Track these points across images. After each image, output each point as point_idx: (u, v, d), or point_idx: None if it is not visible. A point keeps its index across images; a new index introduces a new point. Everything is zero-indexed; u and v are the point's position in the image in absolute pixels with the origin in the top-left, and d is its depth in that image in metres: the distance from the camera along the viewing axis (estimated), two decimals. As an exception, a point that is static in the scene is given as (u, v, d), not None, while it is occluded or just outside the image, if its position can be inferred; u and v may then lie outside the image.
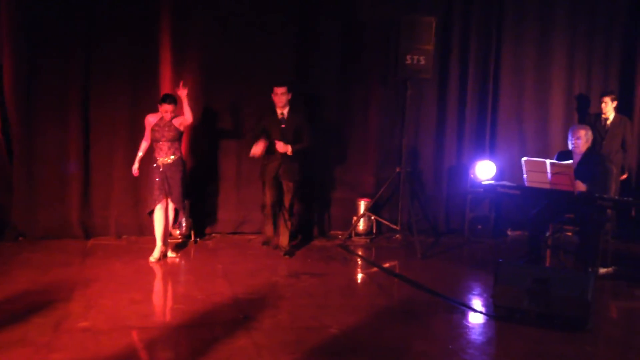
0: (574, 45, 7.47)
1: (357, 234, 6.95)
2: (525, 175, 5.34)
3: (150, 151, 5.76)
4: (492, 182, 6.26)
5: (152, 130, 5.64)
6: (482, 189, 6.84)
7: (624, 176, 7.00)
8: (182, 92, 5.60)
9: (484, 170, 6.95)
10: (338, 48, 6.87)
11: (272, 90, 5.93)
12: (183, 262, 5.82)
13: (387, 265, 5.98)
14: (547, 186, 5.18)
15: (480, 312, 4.56)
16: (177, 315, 4.35)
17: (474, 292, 5.26)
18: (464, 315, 4.52)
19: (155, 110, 5.74)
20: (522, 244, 6.47)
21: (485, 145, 7.31)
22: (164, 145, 5.62)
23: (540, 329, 4.16)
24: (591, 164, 5.39)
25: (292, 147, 5.81)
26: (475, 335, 4.20)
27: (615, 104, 6.87)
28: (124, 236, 6.52)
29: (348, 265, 6.03)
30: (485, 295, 4.95)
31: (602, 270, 5.53)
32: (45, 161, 6.30)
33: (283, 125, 5.83)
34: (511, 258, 5.72)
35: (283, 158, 5.84)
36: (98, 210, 6.49)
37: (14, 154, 6.25)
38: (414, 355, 3.75)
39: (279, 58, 6.66)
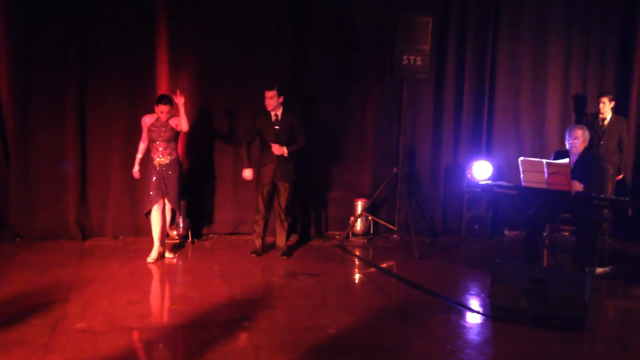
0: (570, 45, 7.49)
1: (355, 234, 6.95)
2: (522, 175, 5.35)
3: (147, 151, 5.75)
4: (489, 182, 6.27)
5: (149, 130, 5.63)
6: (479, 189, 6.82)
7: (620, 176, 7.01)
8: (180, 100, 5.58)
9: (481, 170, 6.96)
10: (334, 48, 6.87)
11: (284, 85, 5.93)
12: (180, 262, 5.82)
13: (384, 265, 5.99)
14: (544, 186, 5.19)
15: (478, 312, 4.57)
16: (174, 315, 4.35)
17: (471, 292, 5.26)
18: (462, 315, 4.53)
19: (151, 110, 5.74)
20: (519, 243, 6.49)
21: (481, 145, 7.33)
22: (160, 146, 5.61)
23: (537, 329, 4.17)
24: (588, 164, 5.40)
25: (288, 149, 5.79)
26: (473, 335, 4.20)
27: (613, 104, 6.89)
28: (121, 237, 6.51)
29: (345, 265, 6.03)
30: (482, 295, 4.96)
31: (599, 270, 5.54)
32: (42, 162, 6.29)
33: (277, 127, 5.81)
34: (508, 258, 5.74)
35: (278, 159, 5.83)
36: (95, 210, 6.48)
37: (10, 154, 6.23)
38: (411, 355, 3.75)
39: (275, 58, 6.66)
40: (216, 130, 6.67)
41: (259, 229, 6.01)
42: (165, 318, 4.40)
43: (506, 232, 7.37)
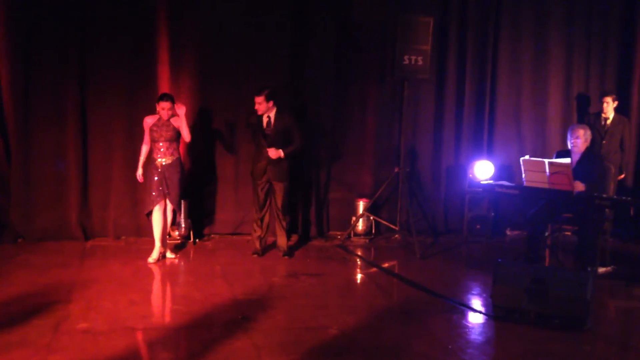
0: (571, 44, 7.49)
1: (356, 234, 6.95)
2: (523, 175, 5.34)
3: (149, 152, 5.74)
4: (491, 181, 6.26)
5: (151, 130, 5.63)
6: (480, 189, 6.84)
7: (622, 176, 7.01)
8: (181, 111, 5.60)
9: (483, 170, 6.96)
10: (334, 48, 6.87)
11: (275, 88, 5.92)
12: (182, 262, 5.82)
13: (386, 265, 5.98)
14: (546, 186, 5.19)
15: (480, 312, 4.56)
16: (176, 316, 4.35)
17: (473, 292, 5.26)
18: (463, 315, 4.52)
19: (152, 110, 5.74)
20: (520, 243, 6.48)
21: (483, 145, 7.32)
22: (162, 146, 5.61)
23: (539, 329, 4.17)
24: (590, 164, 5.40)
25: (284, 151, 5.77)
26: (475, 335, 4.20)
27: (616, 104, 6.89)
28: (123, 237, 6.52)
29: (347, 265, 6.03)
30: (484, 295, 4.95)
31: (601, 270, 5.53)
32: (44, 162, 6.29)
33: (267, 130, 5.80)
34: (510, 258, 5.73)
35: (270, 159, 5.80)
36: (96, 211, 6.48)
37: (11, 154, 6.24)
38: (413, 355, 3.75)
39: (275, 58, 6.66)
40: (217, 130, 6.68)
41: (257, 229, 6.01)
42: (167, 318, 4.41)
43: (508, 232, 7.37)
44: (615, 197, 5.61)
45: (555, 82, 7.48)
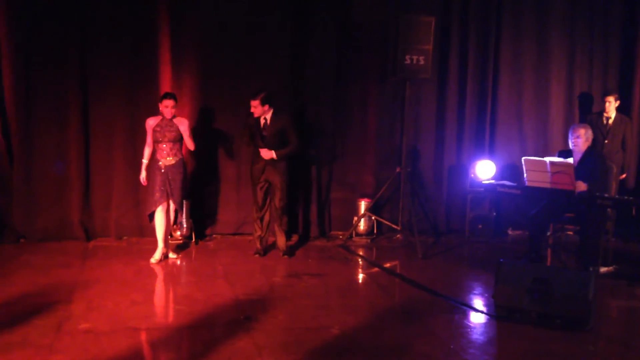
0: (573, 44, 7.49)
1: (358, 234, 6.95)
2: (525, 175, 5.34)
3: (152, 153, 5.73)
4: (492, 181, 6.26)
5: (154, 131, 5.62)
6: (482, 189, 6.85)
7: (623, 176, 7.00)
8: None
9: (484, 170, 6.95)
10: (335, 48, 6.87)
11: (271, 91, 5.93)
12: (184, 263, 5.82)
13: (387, 265, 5.98)
14: (548, 185, 5.18)
15: (481, 312, 4.56)
16: (178, 316, 4.35)
17: (474, 292, 5.26)
18: (465, 315, 4.52)
19: (154, 111, 5.74)
20: (522, 243, 6.48)
21: (485, 145, 7.32)
22: (166, 147, 5.61)
23: (541, 329, 4.16)
24: (591, 163, 5.39)
25: (277, 153, 5.78)
26: (476, 335, 4.20)
27: (618, 103, 6.88)
28: (125, 237, 6.52)
29: (349, 265, 6.03)
30: (486, 295, 4.95)
31: (603, 270, 5.53)
32: (45, 162, 6.30)
33: (264, 132, 5.81)
34: (512, 258, 5.73)
35: (267, 160, 5.83)
36: (98, 211, 6.49)
37: (14, 155, 6.25)
38: (415, 355, 3.75)
39: (276, 58, 6.67)
40: (218, 130, 6.68)
41: (258, 229, 6.02)
42: (169, 318, 4.41)
43: (509, 232, 7.36)
44: (617, 196, 5.61)
45: (557, 82, 7.47)
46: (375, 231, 7.03)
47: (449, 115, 7.27)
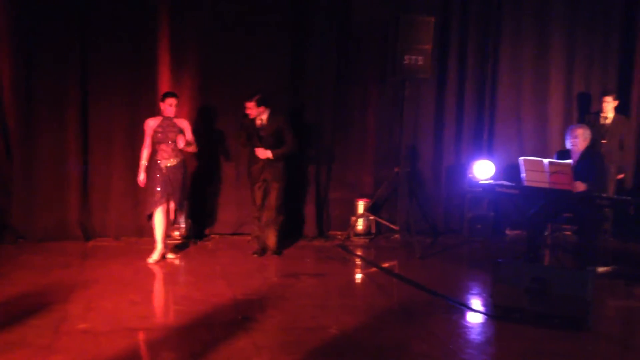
0: (572, 44, 7.49)
1: (356, 234, 6.96)
2: (523, 175, 5.34)
3: (152, 154, 5.73)
4: (491, 181, 6.26)
5: (155, 132, 5.63)
6: (480, 189, 6.83)
7: (621, 175, 7.00)
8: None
9: (483, 170, 6.96)
10: (335, 48, 6.87)
11: (268, 91, 5.93)
12: (182, 263, 5.82)
13: (386, 265, 5.99)
14: (546, 185, 5.19)
15: (479, 312, 4.57)
16: (176, 316, 4.35)
17: (473, 292, 5.27)
18: (463, 315, 4.53)
19: (153, 111, 5.74)
20: (520, 243, 6.48)
21: (483, 145, 7.33)
22: (168, 147, 5.62)
23: (539, 328, 4.17)
24: (589, 163, 5.40)
25: (273, 153, 5.79)
26: (475, 335, 4.20)
27: (616, 103, 6.89)
28: (123, 237, 6.52)
29: (347, 265, 6.03)
30: (484, 294, 4.96)
31: (601, 269, 5.53)
32: (44, 163, 6.30)
33: (261, 132, 5.82)
34: (510, 257, 5.73)
35: (265, 160, 5.84)
36: (97, 211, 6.49)
37: (13, 155, 6.24)
38: (413, 355, 3.76)
39: (275, 58, 6.67)
40: (217, 130, 6.68)
41: (256, 229, 6.02)
42: (168, 319, 4.41)
43: (508, 232, 7.37)
44: (615, 196, 5.61)
45: (556, 82, 7.48)
46: (373, 231, 7.04)
47: (448, 115, 7.27)
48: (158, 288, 5.24)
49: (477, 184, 6.67)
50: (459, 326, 4.32)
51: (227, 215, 6.79)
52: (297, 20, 6.76)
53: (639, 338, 4.30)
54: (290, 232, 6.72)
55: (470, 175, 7.04)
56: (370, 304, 4.79)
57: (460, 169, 7.28)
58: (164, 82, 6.42)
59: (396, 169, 6.68)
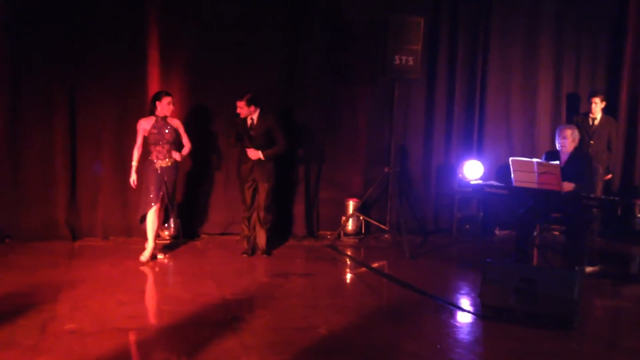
0: (561, 45, 7.53)
1: (346, 234, 6.96)
2: (512, 175, 5.37)
3: (145, 154, 5.70)
4: (480, 181, 6.29)
5: (150, 134, 5.60)
6: (470, 189, 6.87)
7: (609, 176, 7.06)
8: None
9: (472, 170, 6.99)
10: (326, 48, 6.86)
11: (259, 90, 5.92)
12: (171, 263, 5.79)
13: (375, 265, 5.99)
14: (535, 186, 5.22)
15: (468, 312, 4.58)
16: (165, 316, 4.33)
17: (462, 292, 5.28)
18: (452, 315, 4.54)
19: (142, 111, 5.71)
20: (509, 243, 6.51)
21: (473, 145, 7.35)
22: (163, 148, 5.61)
23: (527, 328, 4.19)
24: (578, 164, 5.44)
25: (264, 153, 5.78)
26: (463, 335, 4.22)
27: (604, 104, 6.94)
28: (112, 237, 6.47)
29: (337, 265, 6.03)
30: (473, 294, 4.97)
31: (589, 269, 5.57)
32: (32, 162, 6.24)
33: (252, 132, 5.82)
34: (499, 257, 5.76)
35: (255, 160, 5.83)
36: (85, 211, 6.44)
37: (0, 155, 6.17)
38: (402, 355, 3.76)
39: (267, 58, 6.65)
40: (207, 129, 6.65)
41: (245, 229, 6.01)
42: (156, 319, 4.39)
43: (497, 232, 7.40)
44: (602, 197, 5.65)
45: (545, 83, 7.52)
46: (363, 231, 7.04)
47: (438, 116, 7.29)
48: (146, 288, 5.21)
49: (467, 184, 6.70)
50: (448, 326, 4.33)
51: (217, 215, 6.77)
52: (288, 20, 6.74)
53: (625, 337, 4.33)
54: (279, 232, 6.71)
55: (460, 175, 7.07)
56: (360, 303, 4.79)
57: (450, 169, 7.31)
58: (153, 82, 6.38)
59: (386, 169, 6.70)
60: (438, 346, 3.91)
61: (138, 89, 6.33)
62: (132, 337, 3.92)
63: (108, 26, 6.24)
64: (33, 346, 3.66)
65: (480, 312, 4.45)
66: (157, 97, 5.63)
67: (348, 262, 6.15)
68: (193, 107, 6.57)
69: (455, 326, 4.35)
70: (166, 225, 6.31)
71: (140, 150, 5.67)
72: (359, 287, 5.43)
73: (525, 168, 5.24)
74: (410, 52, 6.34)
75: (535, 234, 5.75)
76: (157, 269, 5.57)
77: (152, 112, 5.63)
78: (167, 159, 5.62)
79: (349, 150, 7.08)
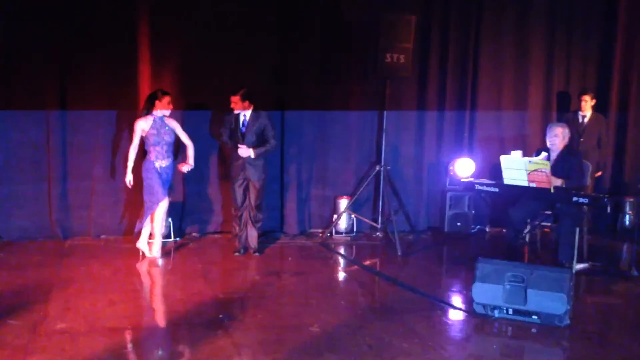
0: (552, 43, 7.56)
1: (338, 232, 6.96)
2: (503, 173, 5.39)
3: (143, 154, 5.69)
4: (471, 179, 6.31)
5: (149, 135, 5.60)
6: (461, 187, 6.90)
7: (599, 173, 7.11)
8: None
9: (463, 168, 7.01)
10: (318, 46, 6.86)
11: (251, 89, 5.92)
12: (163, 262, 5.77)
13: (367, 263, 6.00)
14: (525, 183, 5.24)
15: (460, 309, 4.60)
16: (156, 315, 4.33)
17: (453, 289, 5.30)
18: (444, 312, 4.56)
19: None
20: (500, 240, 6.54)
21: (464, 143, 7.38)
22: (162, 149, 5.62)
23: (518, 325, 4.21)
24: (568, 161, 5.48)
25: (255, 151, 5.78)
26: (455, 332, 4.24)
27: (594, 102, 6.98)
28: (103, 236, 6.45)
29: (328, 263, 6.04)
30: (464, 292, 4.99)
31: (579, 266, 5.61)
32: (22, 160, 6.20)
33: (243, 129, 5.82)
34: (490, 255, 5.78)
35: (246, 158, 5.83)
36: (76, 210, 6.41)
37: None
38: (394, 352, 3.77)
39: (259, 56, 6.64)
40: (198, 129, 6.61)
41: (237, 227, 6.00)
42: (148, 318, 4.38)
43: (488, 229, 7.43)
44: (593, 194, 5.68)
45: (536, 81, 7.55)
46: (354, 229, 7.05)
47: (429, 113, 7.30)
48: (138, 287, 5.19)
49: (458, 182, 6.72)
50: (440, 323, 4.34)
51: (208, 213, 6.75)
52: (281, 19, 6.73)
53: (616, 334, 4.36)
54: (271, 230, 6.70)
55: (451, 173, 7.09)
56: (352, 302, 4.80)
57: (441, 166, 7.33)
58: (145, 81, 6.35)
59: (377, 167, 6.71)
60: (429, 344, 3.92)
61: (129, 87, 6.30)
62: (123, 337, 3.90)
63: (99, 25, 6.20)
64: (23, 346, 3.64)
65: (472, 310, 4.47)
66: (156, 96, 5.61)
67: (340, 261, 6.15)
68: (185, 106, 6.53)
69: (447, 324, 4.37)
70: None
71: (137, 149, 5.66)
72: (350, 286, 5.44)
73: (515, 166, 5.26)
74: (402, 50, 6.34)
75: (525, 231, 5.79)
76: (148, 268, 5.55)
77: (148, 111, 5.62)
78: (165, 159, 5.63)
79: (341, 148, 7.08)
